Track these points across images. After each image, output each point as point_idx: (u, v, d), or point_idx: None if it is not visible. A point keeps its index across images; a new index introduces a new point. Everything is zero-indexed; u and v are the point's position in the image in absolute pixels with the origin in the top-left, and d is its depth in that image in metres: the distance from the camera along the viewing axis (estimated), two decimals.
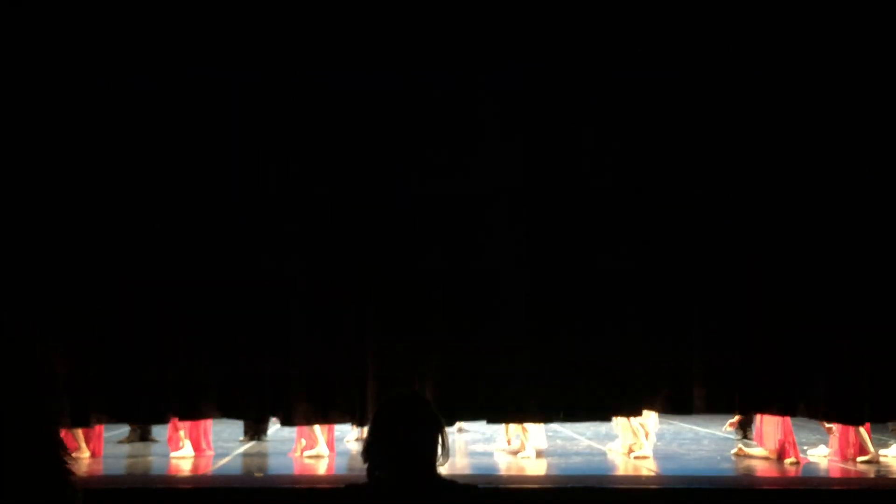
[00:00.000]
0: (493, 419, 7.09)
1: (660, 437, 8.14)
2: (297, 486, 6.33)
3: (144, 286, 6.60)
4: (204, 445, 7.74)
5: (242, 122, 6.65)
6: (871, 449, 7.38)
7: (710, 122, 6.73)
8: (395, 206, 6.70)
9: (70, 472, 2.26)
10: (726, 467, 7.36)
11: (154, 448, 8.16)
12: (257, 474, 7.09)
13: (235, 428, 8.77)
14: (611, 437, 8.16)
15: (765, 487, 6.59)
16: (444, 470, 3.07)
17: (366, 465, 3.07)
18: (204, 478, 6.85)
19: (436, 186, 6.71)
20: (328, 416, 6.89)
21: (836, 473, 7.21)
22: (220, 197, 6.70)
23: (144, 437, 8.50)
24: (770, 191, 6.69)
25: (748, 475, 7.07)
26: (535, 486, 6.48)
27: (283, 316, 6.69)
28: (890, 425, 8.39)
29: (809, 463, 7.41)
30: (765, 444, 7.54)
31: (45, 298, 6.48)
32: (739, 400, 6.87)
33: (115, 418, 6.95)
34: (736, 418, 8.17)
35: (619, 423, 7.67)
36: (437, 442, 3.07)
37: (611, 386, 6.73)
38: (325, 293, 6.72)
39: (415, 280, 6.71)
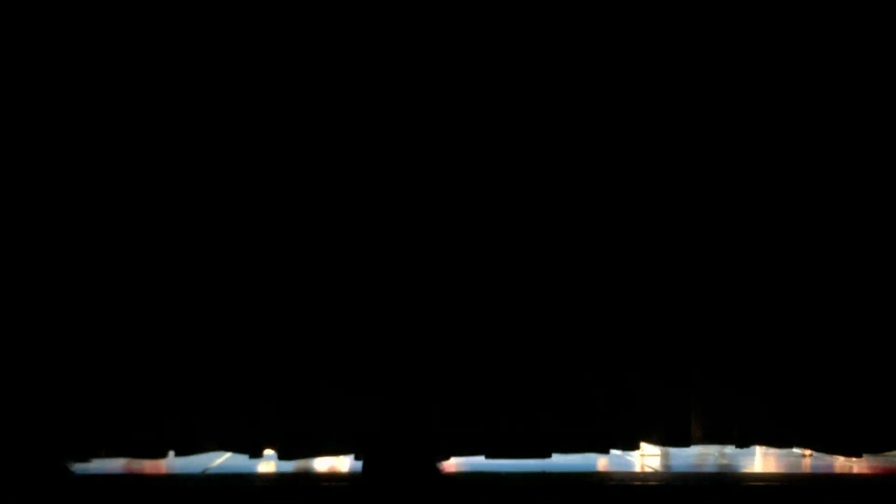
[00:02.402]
0: (491, 454, 6.99)
1: None
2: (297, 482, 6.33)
3: (140, 316, 6.58)
4: None
5: None
6: None
7: (711, 127, 6.69)
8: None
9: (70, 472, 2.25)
10: (725, 463, 7.35)
11: None
12: None
13: None
14: None
15: (762, 483, 6.57)
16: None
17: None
18: (201, 475, 6.82)
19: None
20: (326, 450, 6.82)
21: (837, 467, 7.20)
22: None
23: None
24: (771, 215, 6.67)
25: (747, 470, 7.07)
26: (535, 481, 6.46)
27: (279, 350, 6.66)
28: None
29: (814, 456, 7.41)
30: None
31: (41, 326, 6.48)
32: (738, 433, 6.87)
33: (113, 453, 6.89)
34: None
35: None
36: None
37: (607, 418, 6.74)
38: (330, 327, 6.67)
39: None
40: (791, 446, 6.99)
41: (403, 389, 6.40)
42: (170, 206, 6.56)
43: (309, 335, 6.60)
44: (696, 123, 6.62)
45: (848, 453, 6.90)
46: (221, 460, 7.12)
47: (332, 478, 6.74)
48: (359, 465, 6.54)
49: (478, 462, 7.12)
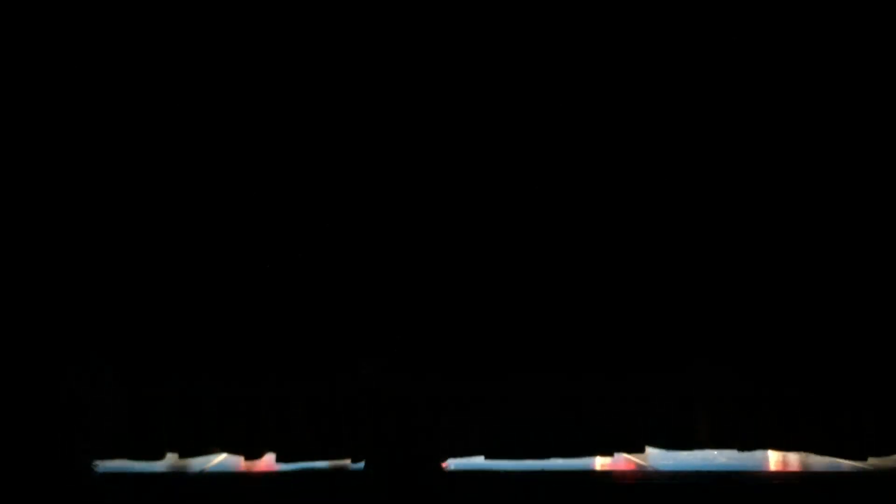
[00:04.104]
0: (490, 455, 6.98)
1: None
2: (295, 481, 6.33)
3: (137, 315, 6.58)
4: None
5: None
6: None
7: (714, 124, 6.69)
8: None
9: (91, 472, 2.26)
10: (722, 462, 7.36)
11: None
12: None
13: None
14: None
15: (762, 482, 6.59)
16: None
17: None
18: (200, 474, 6.83)
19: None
20: (328, 453, 6.84)
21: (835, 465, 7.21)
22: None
23: None
24: (777, 218, 6.67)
25: (744, 470, 7.07)
26: (530, 481, 6.47)
27: (281, 349, 6.66)
28: None
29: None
30: None
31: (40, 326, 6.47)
32: (742, 436, 6.89)
33: (112, 455, 6.90)
34: None
35: None
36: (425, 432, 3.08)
37: (612, 422, 6.73)
38: (327, 325, 6.66)
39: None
40: (796, 450, 6.98)
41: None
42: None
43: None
44: (692, 119, 6.62)
45: (851, 457, 6.91)
46: (220, 459, 7.14)
47: (332, 476, 6.75)
48: (358, 465, 6.58)
49: (477, 462, 7.14)
